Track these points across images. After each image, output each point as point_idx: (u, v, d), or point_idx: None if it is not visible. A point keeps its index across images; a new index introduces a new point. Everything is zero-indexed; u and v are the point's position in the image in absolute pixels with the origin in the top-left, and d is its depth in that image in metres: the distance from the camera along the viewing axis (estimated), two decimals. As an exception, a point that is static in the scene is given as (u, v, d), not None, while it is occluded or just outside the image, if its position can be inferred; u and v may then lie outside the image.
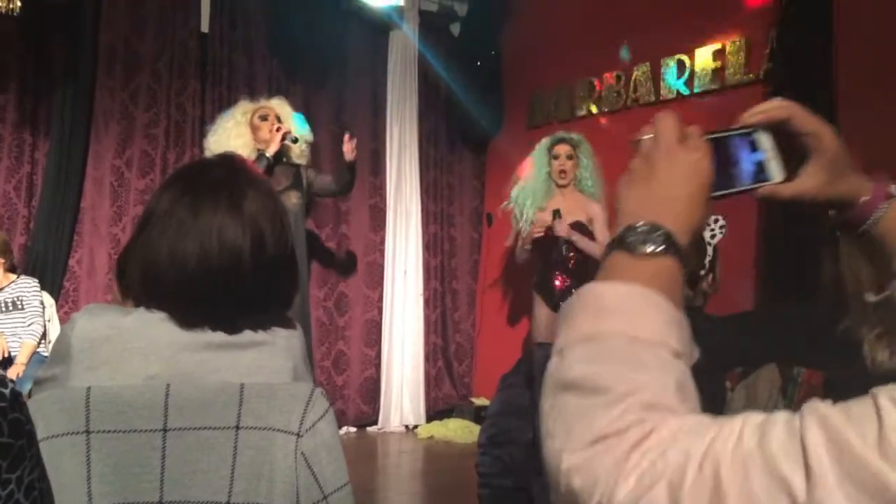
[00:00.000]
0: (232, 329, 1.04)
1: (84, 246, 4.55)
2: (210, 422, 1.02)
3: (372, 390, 5.37)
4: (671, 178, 0.63)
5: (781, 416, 0.46)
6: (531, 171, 4.19)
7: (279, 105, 4.24)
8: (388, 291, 5.47)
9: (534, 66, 5.47)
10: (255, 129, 4.11)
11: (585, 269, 4.21)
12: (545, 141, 4.22)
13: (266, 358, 1.07)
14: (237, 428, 1.02)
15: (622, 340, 0.55)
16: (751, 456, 0.44)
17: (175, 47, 4.78)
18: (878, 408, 0.42)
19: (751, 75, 4.13)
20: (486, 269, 5.88)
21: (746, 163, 0.70)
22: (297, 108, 4.39)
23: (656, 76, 4.66)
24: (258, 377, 1.05)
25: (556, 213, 3.94)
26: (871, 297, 1.09)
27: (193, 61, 4.84)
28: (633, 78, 4.79)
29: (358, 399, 5.32)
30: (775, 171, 0.70)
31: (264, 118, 4.12)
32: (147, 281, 1.06)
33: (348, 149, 4.20)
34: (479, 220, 5.96)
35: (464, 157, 5.95)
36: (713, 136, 0.69)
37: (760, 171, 0.70)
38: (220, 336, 1.04)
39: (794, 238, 3.52)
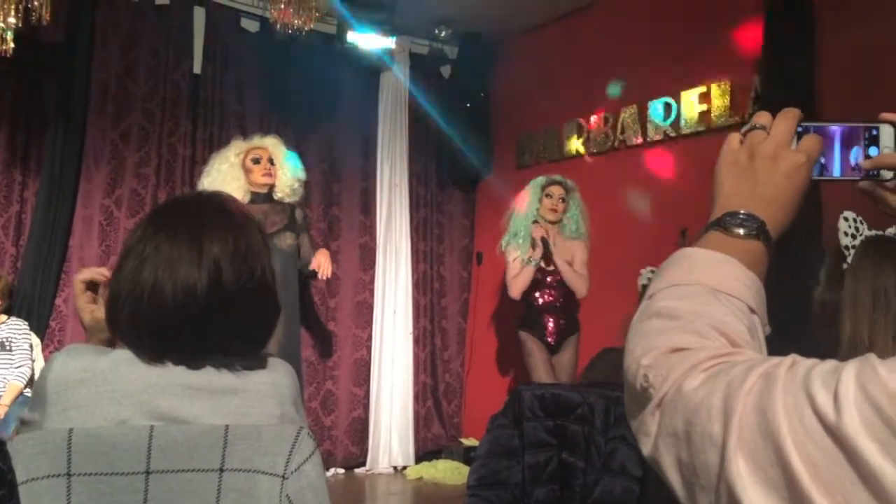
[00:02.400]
0: (196, 365, 1.04)
1: (71, 285, 4.51)
2: (194, 464, 1.01)
3: (360, 431, 5.31)
4: (771, 180, 0.68)
5: (835, 361, 0.50)
6: (524, 206, 4.29)
7: (273, 145, 4.24)
8: (377, 330, 5.44)
9: (523, 108, 5.55)
10: (247, 172, 4.12)
11: (571, 307, 4.29)
12: (541, 179, 4.36)
13: (251, 405, 1.06)
14: (221, 470, 1.01)
15: (705, 288, 0.62)
16: (796, 377, 0.49)
17: (167, 88, 4.82)
18: None
19: (736, 118, 4.20)
20: (475, 308, 5.88)
21: (860, 154, 0.74)
22: (288, 148, 4.42)
23: (643, 118, 4.73)
24: (244, 422, 1.04)
25: (543, 240, 4.21)
26: None
27: (185, 102, 4.88)
28: (620, 119, 4.86)
29: (346, 440, 5.26)
30: (886, 169, 0.75)
31: (257, 161, 4.12)
32: (111, 315, 1.07)
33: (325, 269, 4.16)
34: (468, 258, 5.97)
35: (454, 197, 5.98)
36: (837, 123, 0.74)
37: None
38: (199, 380, 1.03)
39: (778, 266, 3.53)
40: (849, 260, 1.44)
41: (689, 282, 0.64)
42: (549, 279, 4.25)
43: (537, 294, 4.26)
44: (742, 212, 0.67)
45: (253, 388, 1.07)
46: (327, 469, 5.08)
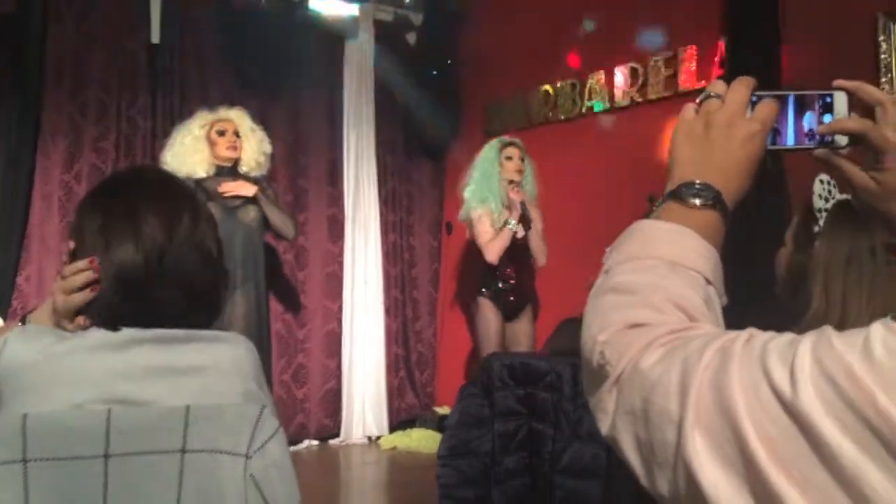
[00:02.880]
0: (156, 341, 1.04)
1: (32, 263, 4.43)
2: (154, 446, 0.99)
3: (333, 402, 5.31)
4: (727, 147, 0.68)
5: (792, 334, 0.49)
6: (480, 170, 4.26)
7: (239, 117, 4.17)
8: (347, 302, 5.42)
9: (490, 75, 5.50)
10: (211, 145, 4.04)
11: (528, 275, 4.29)
12: (495, 143, 4.35)
13: (213, 383, 1.04)
14: (183, 451, 0.99)
15: (662, 262, 0.61)
16: (753, 351, 0.48)
17: (124, 59, 4.69)
18: (869, 328, 0.46)
19: (703, 82, 4.20)
20: (446, 278, 5.88)
21: (814, 122, 0.74)
22: (253, 120, 4.34)
23: (610, 84, 4.72)
24: (205, 402, 1.03)
25: (522, 204, 4.21)
26: None
27: (144, 73, 4.75)
28: (587, 86, 4.84)
29: (319, 412, 5.26)
30: (840, 136, 0.74)
31: (222, 133, 4.04)
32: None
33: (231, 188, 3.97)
34: (438, 228, 5.95)
35: (422, 166, 5.94)
36: (791, 91, 0.73)
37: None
38: (160, 360, 1.02)
39: (742, 229, 3.57)
40: (821, 223, 1.44)
41: (646, 255, 0.63)
42: (510, 245, 4.23)
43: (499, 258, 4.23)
44: (698, 182, 0.67)
45: (214, 366, 1.06)
46: (301, 441, 5.09)
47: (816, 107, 0.74)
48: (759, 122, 0.69)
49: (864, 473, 0.41)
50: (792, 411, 0.44)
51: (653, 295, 0.58)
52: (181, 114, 4.58)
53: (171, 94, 4.82)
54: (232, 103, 4.47)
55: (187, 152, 3.97)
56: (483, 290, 4.26)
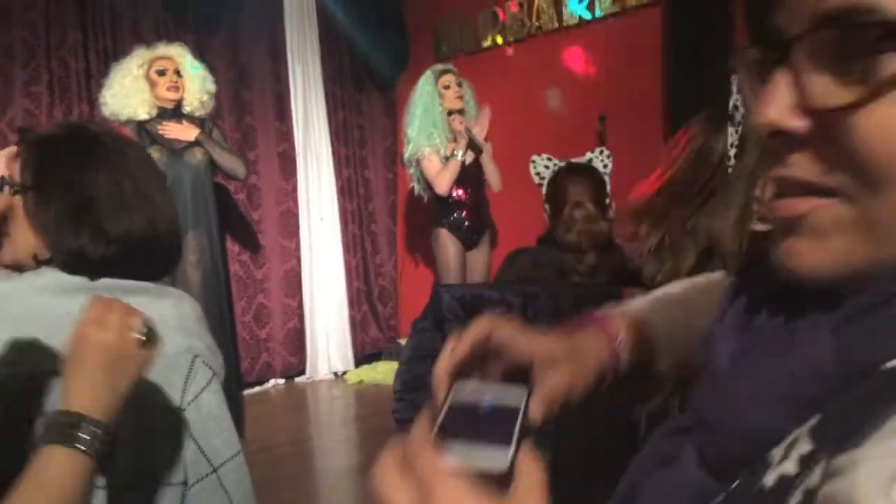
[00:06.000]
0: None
1: (-28, 217, 4.26)
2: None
3: (297, 340, 5.31)
4: None
5: None
6: (421, 106, 4.17)
7: (179, 55, 3.98)
8: (305, 240, 5.36)
9: (436, -2, 5.33)
10: (152, 85, 3.88)
11: (482, 202, 4.27)
12: (430, 73, 4.25)
13: None
14: (113, 407, 0.96)
15: None
16: None
17: (48, -5, 4.44)
18: None
19: (650, -2, 4.11)
20: (403, 210, 5.82)
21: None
22: (192, 56, 4.15)
23: (559, 2, 4.60)
24: None
25: (468, 131, 4.13)
26: None
27: (71, 10, 4.49)
28: (535, 6, 4.72)
29: (283, 351, 5.25)
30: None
31: (162, 73, 3.87)
32: None
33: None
34: (392, 160, 5.86)
35: (372, 97, 5.80)
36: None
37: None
38: None
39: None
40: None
41: None
42: (460, 174, 4.19)
43: (450, 190, 4.21)
44: None
45: (159, 321, 1.02)
46: (267, 381, 5.10)
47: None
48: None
49: None
50: None
51: None
52: (115, 53, 4.36)
53: (102, 32, 4.58)
54: (167, 38, 4.27)
55: (128, 93, 3.81)
56: (440, 220, 4.25)
